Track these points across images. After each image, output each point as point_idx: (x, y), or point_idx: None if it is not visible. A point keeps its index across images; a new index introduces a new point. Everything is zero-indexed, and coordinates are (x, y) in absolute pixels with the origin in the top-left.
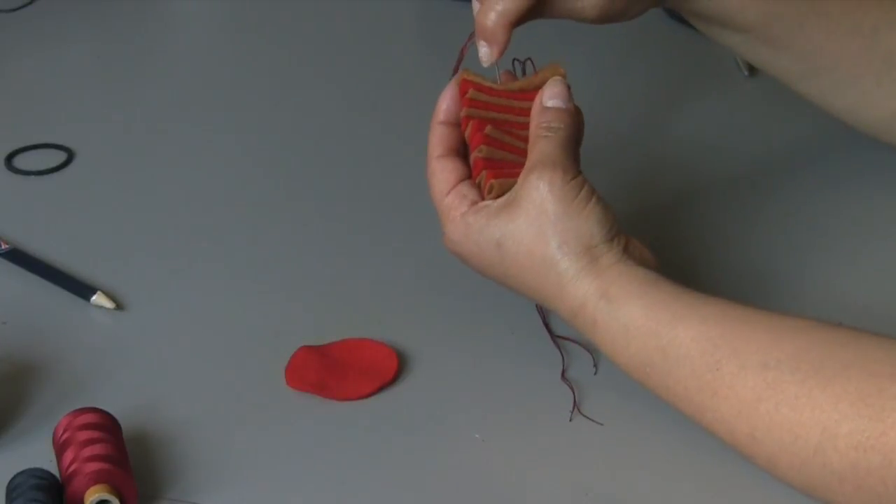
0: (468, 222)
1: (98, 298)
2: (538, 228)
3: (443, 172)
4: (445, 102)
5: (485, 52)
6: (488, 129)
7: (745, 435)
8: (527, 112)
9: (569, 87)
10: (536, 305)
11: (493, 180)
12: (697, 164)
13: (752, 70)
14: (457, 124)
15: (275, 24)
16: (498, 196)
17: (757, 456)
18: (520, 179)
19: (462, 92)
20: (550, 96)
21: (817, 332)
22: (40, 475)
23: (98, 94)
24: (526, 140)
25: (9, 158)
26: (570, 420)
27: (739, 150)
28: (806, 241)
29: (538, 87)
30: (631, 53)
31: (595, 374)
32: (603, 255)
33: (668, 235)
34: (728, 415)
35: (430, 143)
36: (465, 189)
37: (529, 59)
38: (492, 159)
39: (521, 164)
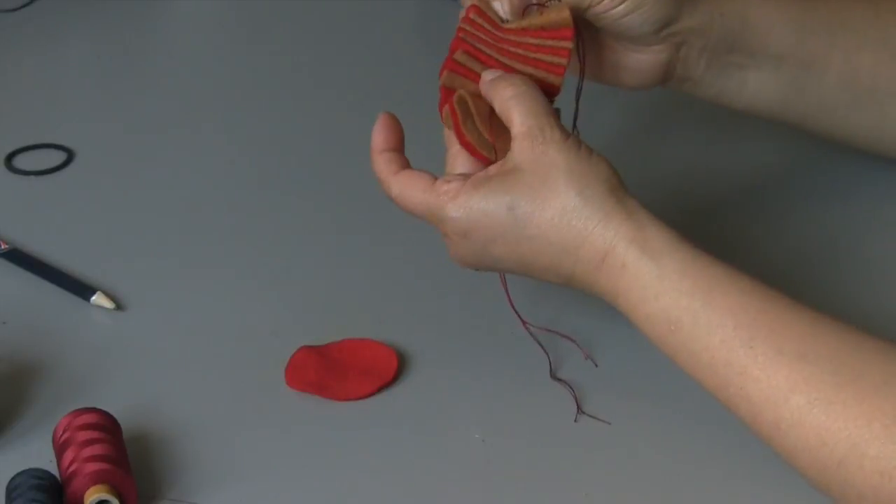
0: (469, 193)
1: (98, 298)
2: (552, 184)
3: (412, 180)
4: (381, 133)
5: (498, 7)
6: (458, 53)
7: (769, 423)
8: (519, 46)
9: None
10: (509, 294)
11: (445, 72)
12: (696, 166)
13: None
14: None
15: (274, 24)
16: (448, 95)
17: (776, 444)
18: (513, 146)
19: (467, 13)
20: (490, 73)
21: (855, 335)
22: (40, 475)
23: (98, 94)
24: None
25: (9, 158)
26: (576, 421)
27: (739, 150)
28: (805, 247)
29: (540, 28)
30: None
31: (596, 367)
32: (628, 197)
33: None
34: (756, 397)
35: (382, 174)
36: (441, 182)
37: None
38: (452, 87)
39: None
